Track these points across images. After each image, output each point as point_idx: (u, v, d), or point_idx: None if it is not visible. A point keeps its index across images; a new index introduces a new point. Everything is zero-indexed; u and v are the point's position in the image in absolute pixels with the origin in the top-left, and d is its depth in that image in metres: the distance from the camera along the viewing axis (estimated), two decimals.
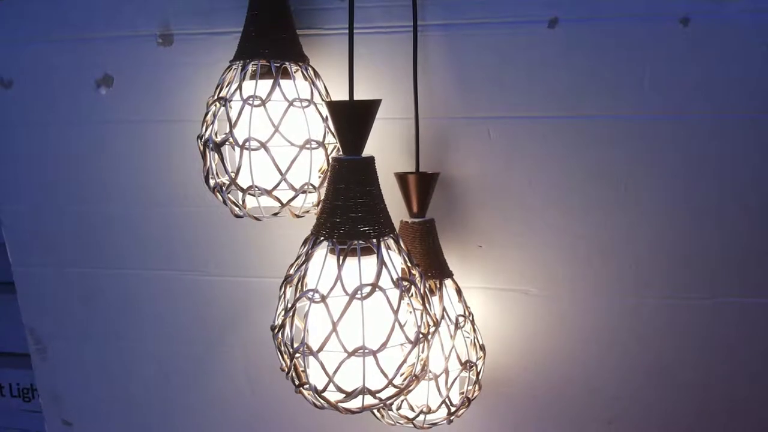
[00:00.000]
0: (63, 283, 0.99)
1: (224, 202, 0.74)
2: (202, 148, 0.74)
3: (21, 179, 0.95)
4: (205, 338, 0.96)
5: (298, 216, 0.74)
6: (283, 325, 0.65)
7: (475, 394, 0.79)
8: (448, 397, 0.76)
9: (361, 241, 0.62)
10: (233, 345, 0.95)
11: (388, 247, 0.65)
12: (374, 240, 0.63)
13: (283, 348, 0.65)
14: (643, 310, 0.82)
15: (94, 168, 0.92)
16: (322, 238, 0.64)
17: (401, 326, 0.62)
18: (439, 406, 0.76)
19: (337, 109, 0.64)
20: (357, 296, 0.61)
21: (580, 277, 0.83)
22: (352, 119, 0.64)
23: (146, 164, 0.91)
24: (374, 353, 0.61)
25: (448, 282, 0.79)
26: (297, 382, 0.65)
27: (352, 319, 0.61)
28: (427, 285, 0.71)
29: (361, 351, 0.61)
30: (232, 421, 0.99)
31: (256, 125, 0.70)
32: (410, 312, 0.64)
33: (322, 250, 0.64)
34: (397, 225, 0.76)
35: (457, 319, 0.77)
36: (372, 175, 0.65)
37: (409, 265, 0.66)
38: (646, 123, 0.77)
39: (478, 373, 0.79)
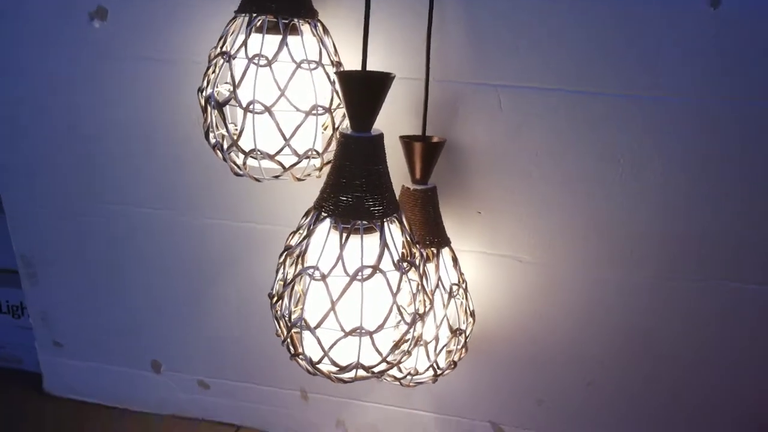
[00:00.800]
0: (56, 212, 0.98)
1: (224, 159, 0.72)
2: (203, 102, 0.71)
3: (19, 108, 0.92)
4: (199, 276, 0.97)
5: (299, 179, 0.73)
6: (281, 297, 0.65)
7: (461, 357, 0.82)
8: (435, 362, 0.78)
9: (364, 222, 0.62)
10: (228, 285, 0.96)
11: (390, 226, 0.64)
12: (378, 221, 0.62)
13: (280, 318, 0.66)
14: (632, 285, 0.84)
15: (89, 102, 0.89)
16: (325, 214, 0.63)
17: (399, 309, 0.63)
18: (427, 369, 0.79)
19: (348, 81, 0.62)
20: (357, 278, 0.61)
21: (574, 248, 0.84)
22: (364, 93, 0.62)
23: (144, 103, 0.88)
24: (371, 334, 0.62)
25: (445, 250, 0.79)
26: (292, 352, 0.66)
27: (351, 299, 0.61)
28: (425, 257, 0.72)
29: (358, 331, 0.62)
30: (221, 355, 1.01)
31: (261, 85, 0.67)
32: (409, 292, 0.65)
33: (324, 226, 0.64)
34: (398, 189, 0.76)
35: (451, 288, 0.78)
36: (380, 153, 0.63)
37: (410, 243, 0.66)
38: (655, 104, 0.75)
39: (466, 338, 0.81)
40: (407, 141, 0.76)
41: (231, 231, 0.92)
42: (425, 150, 0.76)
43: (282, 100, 0.67)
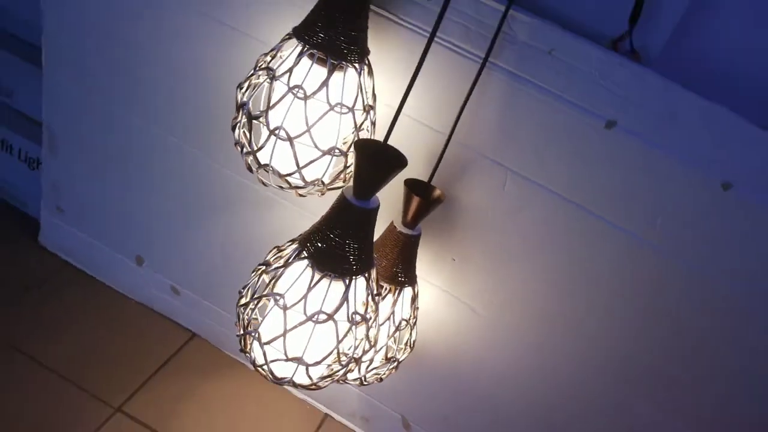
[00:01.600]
0: (89, 97, 1.04)
1: (241, 155, 0.78)
2: (238, 101, 0.76)
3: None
4: (195, 203, 1.05)
5: (301, 195, 0.80)
6: (247, 305, 0.74)
7: (389, 376, 0.92)
8: (364, 376, 0.89)
9: (335, 275, 0.70)
10: (218, 220, 1.04)
11: (357, 282, 0.72)
12: (347, 277, 0.70)
13: (240, 319, 0.75)
14: (570, 366, 0.93)
15: (148, 32, 0.93)
16: (305, 254, 0.71)
17: (338, 354, 0.72)
18: (355, 380, 0.89)
19: (362, 151, 0.67)
20: (313, 319, 0.70)
21: (525, 316, 0.92)
22: (373, 167, 0.67)
23: (197, 50, 0.91)
24: (307, 366, 0.72)
25: (408, 288, 0.87)
26: (242, 347, 0.76)
27: (302, 333, 0.71)
28: (389, 290, 0.81)
29: (298, 361, 0.71)
30: (198, 273, 1.12)
31: (292, 114, 0.72)
32: (352, 340, 0.74)
33: (300, 265, 0.71)
34: (387, 219, 0.82)
35: (400, 323, 0.87)
36: (372, 224, 0.70)
37: (371, 300, 0.74)
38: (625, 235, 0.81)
39: (399, 363, 0.91)
40: (409, 190, 0.82)
41: (232, 181, 0.99)
42: (423, 205, 0.82)
43: (306, 138, 0.72)
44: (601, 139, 0.77)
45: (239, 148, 0.78)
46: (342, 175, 0.79)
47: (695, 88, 0.72)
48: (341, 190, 0.71)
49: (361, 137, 0.76)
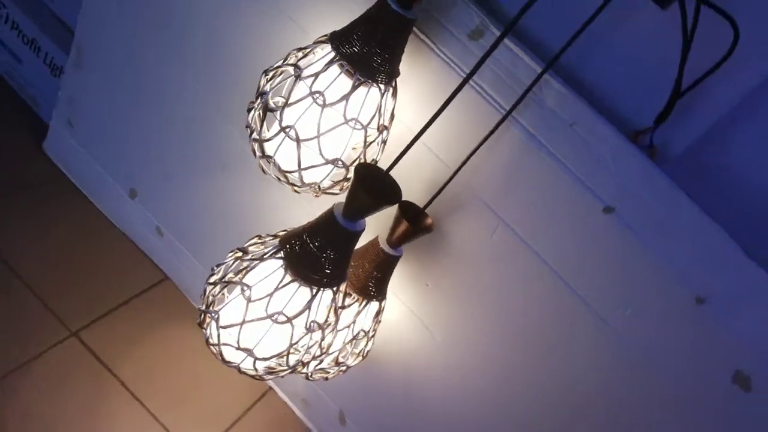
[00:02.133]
0: (122, 25, 1.04)
1: (249, 138, 0.79)
2: (260, 85, 0.76)
3: None
4: (195, 160, 1.06)
5: (296, 191, 0.81)
6: (215, 284, 0.76)
7: (333, 377, 0.95)
8: (311, 374, 0.91)
9: (304, 282, 0.71)
10: (216, 182, 1.05)
11: (324, 294, 0.74)
12: (315, 287, 0.72)
13: (206, 294, 0.77)
14: (511, 411, 0.95)
15: None
16: (281, 255, 0.72)
17: (288, 356, 0.74)
18: (301, 373, 0.92)
19: (359, 175, 0.68)
20: (272, 318, 0.72)
21: (478, 356, 0.94)
22: (365, 195, 0.68)
23: (232, 15, 0.91)
24: (256, 359, 0.74)
25: (375, 303, 0.89)
26: (200, 322, 0.78)
27: (259, 327, 0.73)
28: (356, 300, 0.82)
29: (249, 352, 0.73)
30: (186, 221, 1.13)
31: (306, 117, 0.73)
32: (305, 346, 0.76)
33: (275, 264, 0.73)
34: (373, 232, 0.83)
35: (358, 333, 0.89)
36: (353, 245, 0.72)
37: (332, 313, 0.76)
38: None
39: (348, 368, 0.93)
40: (401, 214, 0.83)
41: (240, 147, 1.00)
42: (410, 231, 0.83)
43: (313, 144, 0.72)
44: (596, 220, 0.77)
45: (249, 131, 0.79)
46: (340, 184, 0.79)
47: (702, 197, 0.73)
48: (333, 203, 0.72)
49: (367, 154, 0.76)
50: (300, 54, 0.75)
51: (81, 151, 1.20)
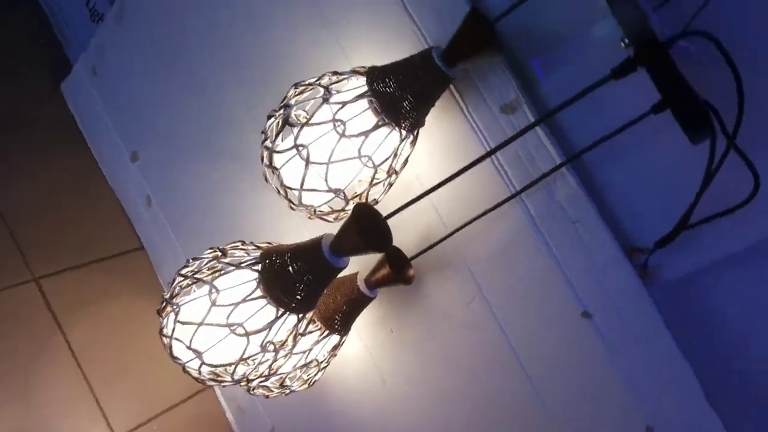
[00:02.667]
0: None
1: (261, 143, 0.78)
2: (287, 96, 0.76)
3: None
4: (204, 141, 1.05)
5: (292, 208, 0.80)
6: (186, 276, 0.75)
7: (274, 397, 0.93)
8: (252, 388, 0.89)
9: (273, 302, 0.70)
10: (216, 169, 1.05)
11: (289, 318, 0.73)
12: (281, 310, 0.71)
13: (173, 284, 0.76)
14: None
15: None
16: (257, 269, 0.71)
17: (235, 369, 0.73)
18: (243, 384, 0.90)
19: (356, 215, 0.68)
20: (231, 328, 0.71)
21: (422, 411, 0.93)
22: (356, 238, 0.68)
23: (279, 17, 0.91)
24: (203, 363, 0.73)
25: (335, 336, 0.88)
26: (159, 309, 0.77)
27: (214, 333, 0.71)
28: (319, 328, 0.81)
29: (197, 354, 0.72)
30: (174, 209, 1.13)
31: (323, 141, 0.72)
32: (253, 362, 0.75)
33: (249, 275, 0.72)
34: (355, 265, 0.83)
35: (310, 362, 0.88)
36: (331, 279, 0.71)
37: (291, 337, 0.75)
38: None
39: (291, 392, 0.92)
40: (386, 259, 0.82)
41: (252, 143, 0.98)
42: (390, 278, 0.82)
43: (321, 169, 0.72)
44: (571, 321, 0.77)
45: (263, 137, 0.78)
46: (336, 214, 0.79)
47: (680, 331, 0.72)
48: (324, 233, 0.71)
49: (370, 193, 0.76)
50: (334, 78, 0.75)
51: (97, 101, 1.19)
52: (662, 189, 0.73)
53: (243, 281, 0.72)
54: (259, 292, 0.70)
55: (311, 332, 0.85)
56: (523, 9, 0.70)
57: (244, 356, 0.72)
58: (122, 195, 1.20)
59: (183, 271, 0.76)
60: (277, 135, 0.75)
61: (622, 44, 0.65)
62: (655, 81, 0.53)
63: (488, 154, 0.70)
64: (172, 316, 0.74)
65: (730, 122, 0.60)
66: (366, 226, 0.68)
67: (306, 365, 0.87)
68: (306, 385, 0.91)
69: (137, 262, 1.17)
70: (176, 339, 0.73)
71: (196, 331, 0.71)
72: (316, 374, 0.90)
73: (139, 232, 1.20)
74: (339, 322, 0.86)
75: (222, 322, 0.70)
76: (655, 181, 0.73)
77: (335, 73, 0.76)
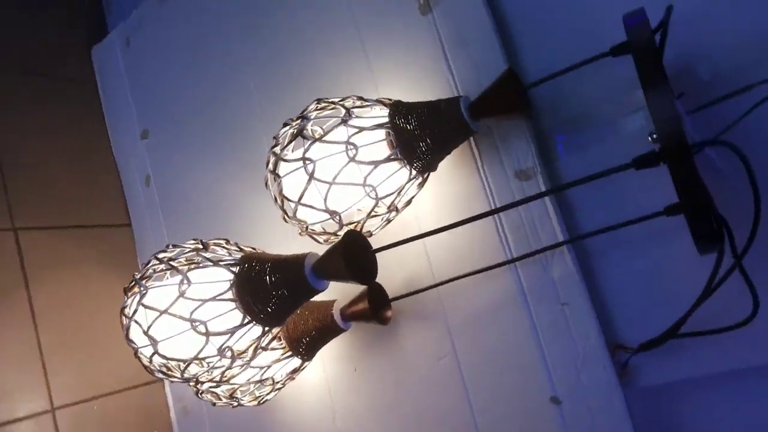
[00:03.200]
0: None
1: (270, 148, 0.77)
2: (308, 108, 0.75)
3: None
4: (214, 131, 1.04)
5: (285, 219, 0.78)
6: (161, 260, 0.73)
7: (221, 406, 0.90)
8: (201, 392, 0.86)
9: (242, 309, 0.68)
10: (221, 163, 1.04)
11: (255, 329, 0.70)
12: (248, 318, 0.69)
13: (147, 265, 0.74)
14: None
15: None
16: (235, 270, 0.69)
17: (187, 367, 0.70)
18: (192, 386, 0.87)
19: (348, 244, 0.66)
20: (192, 323, 0.68)
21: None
22: (346, 262, 0.66)
23: (316, 31, 0.91)
24: (156, 353, 0.70)
25: (296, 360, 0.85)
26: (127, 287, 0.75)
27: (173, 326, 0.69)
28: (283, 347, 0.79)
29: (151, 342, 0.70)
30: (171, 193, 1.11)
31: (331, 160, 0.71)
32: (207, 364, 0.72)
33: (224, 275, 0.70)
34: (335, 293, 0.81)
35: (264, 379, 0.85)
36: (307, 299, 0.69)
37: (251, 349, 0.72)
38: None
39: (238, 405, 0.89)
40: (366, 294, 0.80)
41: (262, 143, 0.98)
42: (366, 313, 0.80)
43: (323, 188, 0.70)
44: (538, 402, 0.74)
45: (274, 142, 0.77)
46: (327, 236, 0.77)
47: None
48: (309, 251, 0.69)
49: (366, 223, 0.74)
50: (358, 102, 0.74)
51: (122, 72, 1.19)
52: (659, 290, 0.71)
53: (217, 279, 0.70)
54: (230, 295, 0.68)
55: (274, 349, 0.83)
56: (559, 81, 0.70)
57: (200, 356, 0.69)
58: (123, 169, 1.19)
59: (160, 255, 0.74)
60: (287, 144, 0.74)
61: (650, 138, 0.64)
62: (675, 182, 0.52)
63: (493, 212, 0.69)
64: (137, 297, 0.72)
65: (740, 237, 0.59)
66: (354, 254, 0.66)
67: (261, 382, 0.84)
68: (256, 402, 0.88)
69: (121, 238, 1.15)
70: (135, 321, 0.71)
71: (157, 318, 0.69)
72: (268, 393, 0.87)
73: (131, 209, 1.18)
74: (305, 347, 0.83)
75: (186, 315, 0.68)
76: (654, 280, 0.71)
77: (360, 98, 0.75)
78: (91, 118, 1.19)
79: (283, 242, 0.93)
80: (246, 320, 0.69)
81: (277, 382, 0.86)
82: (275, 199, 0.77)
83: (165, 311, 0.69)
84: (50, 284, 1.01)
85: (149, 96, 1.15)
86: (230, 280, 0.69)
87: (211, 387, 0.83)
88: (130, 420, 1.05)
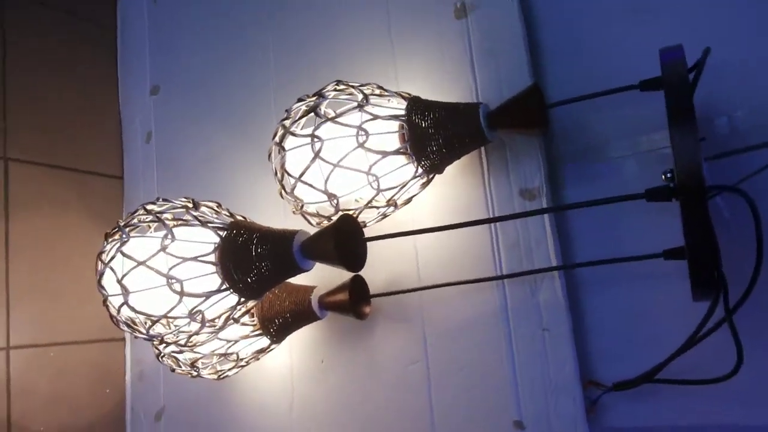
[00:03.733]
0: None
1: (279, 120, 0.76)
2: (326, 87, 0.74)
3: None
4: (226, 110, 1.03)
5: (281, 194, 0.77)
6: (149, 212, 0.71)
7: (180, 374, 0.88)
8: (162, 354, 0.84)
9: (221, 274, 0.66)
10: (231, 138, 1.02)
11: (230, 297, 0.69)
12: (226, 285, 0.67)
13: (134, 214, 0.72)
14: None
15: None
16: (222, 234, 0.68)
17: (156, 322, 0.68)
18: (154, 348, 0.85)
19: (341, 227, 0.64)
20: (169, 280, 0.66)
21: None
22: (335, 244, 0.64)
23: (346, 16, 0.90)
24: (126, 303, 0.68)
25: (265, 340, 0.83)
26: (108, 233, 0.73)
27: (151, 279, 0.67)
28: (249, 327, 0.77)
29: (125, 294, 0.68)
30: (171, 158, 1.09)
31: (340, 141, 0.70)
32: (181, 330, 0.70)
33: (212, 236, 0.68)
34: (317, 279, 0.79)
35: (229, 354, 0.83)
36: (290, 277, 0.68)
37: (221, 320, 0.70)
38: None
39: (197, 375, 0.86)
40: (348, 285, 0.78)
41: (271, 118, 0.97)
42: (345, 305, 0.79)
43: (326, 168, 0.69)
44: (501, 424, 0.73)
45: (285, 114, 0.76)
46: (320, 218, 0.76)
47: None
48: (300, 229, 0.68)
49: (362, 213, 0.73)
50: (377, 91, 0.73)
51: (145, 24, 1.17)
52: (643, 331, 0.70)
53: (202, 240, 0.68)
54: (212, 258, 0.67)
55: (245, 324, 0.81)
56: (578, 109, 0.69)
57: (170, 315, 0.67)
58: (127, 120, 1.17)
59: (149, 207, 0.72)
60: (299, 118, 0.73)
61: (664, 177, 0.63)
62: (685, 222, 0.51)
63: (488, 221, 0.67)
64: (117, 243, 0.70)
65: (732, 291, 0.58)
66: (345, 239, 0.64)
67: (225, 356, 0.82)
68: (215, 376, 0.86)
69: (110, 189, 1.13)
70: (111, 268, 0.69)
71: (133, 269, 0.67)
72: (230, 369, 0.85)
73: (126, 163, 1.16)
74: (276, 327, 0.81)
75: (163, 270, 0.66)
76: (639, 321, 0.70)
77: (380, 87, 0.74)
78: (105, 63, 1.17)
79: (275, 218, 0.92)
80: (224, 287, 0.67)
81: (241, 359, 0.84)
82: (275, 171, 0.75)
83: (143, 263, 0.67)
84: (30, 221, 0.98)
85: (166, 53, 1.14)
86: (215, 243, 0.68)
87: (173, 351, 0.81)
88: (83, 373, 1.02)
